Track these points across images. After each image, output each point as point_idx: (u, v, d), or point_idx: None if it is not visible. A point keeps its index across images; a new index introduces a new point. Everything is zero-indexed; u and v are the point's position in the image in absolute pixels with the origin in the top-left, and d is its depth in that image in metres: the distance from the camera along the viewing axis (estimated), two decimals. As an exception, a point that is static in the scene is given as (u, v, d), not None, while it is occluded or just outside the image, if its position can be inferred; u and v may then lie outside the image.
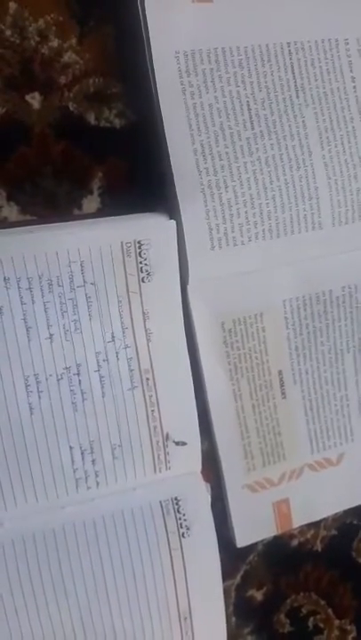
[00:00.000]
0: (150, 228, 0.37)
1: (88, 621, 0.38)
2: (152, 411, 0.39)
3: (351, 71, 0.41)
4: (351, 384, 0.44)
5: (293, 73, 0.39)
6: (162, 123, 0.37)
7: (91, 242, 0.36)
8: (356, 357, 0.44)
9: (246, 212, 0.39)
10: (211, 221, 0.38)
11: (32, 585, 0.37)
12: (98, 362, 0.37)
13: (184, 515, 0.40)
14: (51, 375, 0.36)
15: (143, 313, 0.38)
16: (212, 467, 0.41)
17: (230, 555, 0.43)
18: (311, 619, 0.47)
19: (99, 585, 0.39)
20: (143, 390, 0.38)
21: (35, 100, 0.36)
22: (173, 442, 0.39)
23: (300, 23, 0.39)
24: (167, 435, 0.39)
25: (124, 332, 0.38)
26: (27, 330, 0.36)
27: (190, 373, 0.39)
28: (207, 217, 0.38)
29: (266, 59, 0.39)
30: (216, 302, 0.40)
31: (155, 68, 0.37)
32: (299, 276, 0.41)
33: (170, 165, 0.37)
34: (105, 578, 0.39)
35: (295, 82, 0.40)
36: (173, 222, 0.38)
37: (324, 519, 0.45)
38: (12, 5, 0.35)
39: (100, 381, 0.37)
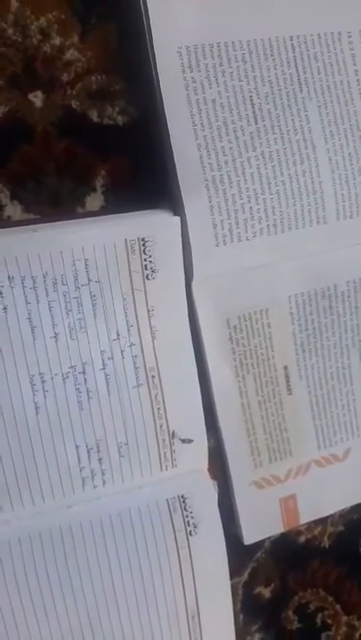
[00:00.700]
0: (154, 224, 0.37)
1: (95, 620, 0.39)
2: (158, 408, 0.39)
3: (355, 64, 0.40)
4: (357, 379, 0.44)
5: (297, 67, 0.39)
6: (165, 119, 0.37)
7: (95, 240, 0.36)
8: (362, 353, 0.44)
9: (251, 208, 0.39)
10: (215, 217, 0.38)
11: (39, 584, 0.37)
12: (103, 360, 0.37)
13: (191, 512, 0.40)
14: (56, 374, 0.36)
15: (148, 310, 0.38)
16: (218, 464, 0.41)
17: (238, 552, 0.43)
18: (319, 615, 0.47)
19: (106, 584, 0.39)
20: (149, 388, 0.38)
21: (37, 98, 0.36)
22: (180, 439, 0.39)
23: (302, 17, 0.39)
24: (173, 432, 0.39)
25: (129, 330, 0.37)
26: (32, 329, 0.36)
27: (196, 370, 0.39)
28: (211, 213, 0.38)
29: (269, 53, 0.38)
30: (221, 299, 0.40)
31: (157, 63, 0.36)
32: (304, 272, 0.41)
33: (173, 161, 0.37)
34: (112, 577, 0.39)
35: (298, 76, 0.39)
36: (177, 219, 0.37)
37: (331, 515, 0.45)
38: (14, 4, 0.35)
39: (106, 380, 0.37)
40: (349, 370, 0.43)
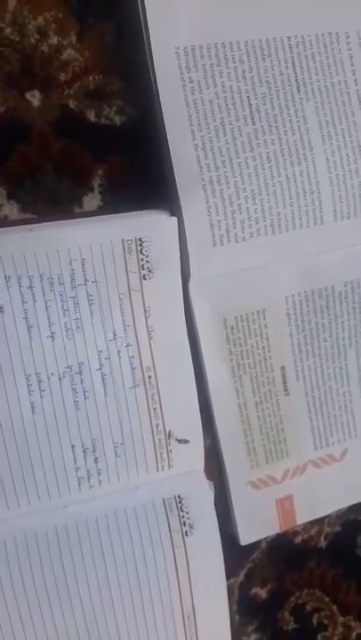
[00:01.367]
0: (151, 225, 0.37)
1: (91, 619, 0.39)
2: (154, 409, 0.39)
3: (352, 65, 0.40)
4: (354, 380, 0.44)
5: (294, 67, 0.39)
6: (162, 119, 0.37)
7: (92, 240, 0.36)
8: (359, 353, 0.44)
9: (248, 208, 0.39)
10: (212, 218, 0.38)
11: (34, 584, 0.37)
12: (100, 360, 0.37)
13: (187, 513, 0.40)
14: (52, 374, 0.36)
15: (145, 310, 0.38)
16: (214, 464, 0.41)
17: (234, 552, 0.43)
18: (315, 616, 0.47)
19: (102, 583, 0.39)
20: (145, 388, 0.38)
21: (34, 97, 0.36)
22: (176, 440, 0.39)
23: (300, 17, 0.39)
24: (169, 432, 0.39)
25: (125, 330, 0.37)
26: (28, 329, 0.36)
27: (192, 371, 0.39)
28: (208, 213, 0.38)
29: (266, 53, 0.38)
30: (218, 299, 0.40)
31: (155, 64, 0.36)
32: (301, 272, 0.41)
33: (171, 162, 0.37)
34: (108, 577, 0.39)
35: (296, 76, 0.39)
36: (175, 219, 0.37)
37: (328, 516, 0.45)
38: (12, 3, 0.35)
39: (102, 380, 0.37)
40: (346, 370, 0.43)
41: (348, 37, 0.40)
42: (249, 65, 0.38)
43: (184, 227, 0.38)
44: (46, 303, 0.36)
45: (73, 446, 0.37)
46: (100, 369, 0.37)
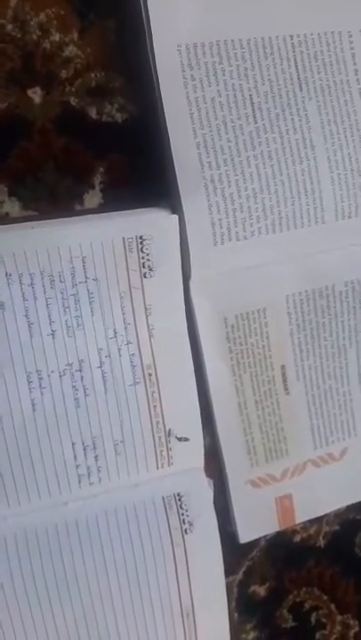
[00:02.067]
0: (152, 223, 0.37)
1: (90, 616, 0.39)
2: (154, 406, 0.39)
3: (354, 64, 0.40)
4: (354, 379, 0.44)
5: (296, 66, 0.39)
6: (164, 117, 0.37)
7: (92, 237, 0.36)
8: (359, 352, 0.44)
9: (249, 207, 0.39)
10: (213, 216, 0.38)
11: (34, 581, 0.37)
12: (100, 358, 0.37)
13: (187, 511, 0.40)
14: (53, 371, 0.36)
15: (145, 308, 0.38)
16: (214, 462, 0.41)
17: (233, 550, 0.43)
18: (314, 614, 0.47)
19: (101, 581, 0.39)
20: (145, 386, 0.38)
21: (36, 94, 0.36)
22: (176, 437, 0.39)
23: (302, 16, 0.39)
24: (169, 430, 0.39)
25: (126, 328, 0.37)
26: (29, 326, 0.36)
27: (193, 369, 0.39)
28: (210, 212, 0.38)
29: (268, 52, 0.38)
30: (219, 298, 0.40)
31: (156, 61, 0.36)
32: (302, 271, 0.41)
33: (172, 160, 0.37)
34: (107, 574, 0.39)
35: (298, 75, 0.39)
36: (176, 217, 0.37)
37: (327, 515, 0.45)
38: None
39: (103, 377, 0.37)
40: (346, 370, 0.43)
41: (350, 36, 0.40)
42: (251, 63, 0.38)
43: (185, 225, 0.38)
44: (47, 301, 0.36)
45: (73, 443, 0.37)
46: (101, 366, 0.37)
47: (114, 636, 0.39)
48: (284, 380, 0.42)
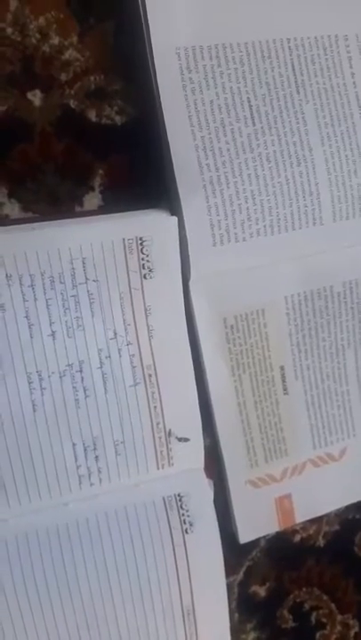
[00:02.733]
0: (152, 224, 0.37)
1: (92, 616, 0.39)
2: (154, 407, 0.39)
3: (351, 67, 0.41)
4: (353, 379, 0.44)
5: (294, 69, 0.39)
6: (163, 119, 0.37)
7: (92, 239, 0.36)
8: (358, 352, 0.44)
9: (248, 209, 0.39)
10: (212, 217, 0.38)
11: (36, 581, 0.37)
12: (100, 359, 0.37)
13: (187, 511, 0.40)
14: (53, 372, 0.37)
15: (145, 309, 0.38)
16: (214, 463, 0.41)
17: (233, 551, 0.43)
18: (314, 614, 0.47)
19: (102, 581, 0.39)
20: (145, 387, 0.38)
21: (36, 97, 0.36)
22: (176, 438, 0.39)
23: (300, 19, 0.39)
24: (170, 431, 0.39)
25: (126, 329, 0.38)
26: (29, 327, 0.36)
27: (192, 370, 0.39)
28: (209, 213, 0.38)
29: (266, 55, 0.39)
30: (218, 298, 0.40)
31: (155, 64, 0.37)
32: (300, 272, 0.41)
33: (171, 162, 0.37)
34: (108, 574, 0.39)
35: (296, 78, 0.40)
36: (175, 219, 0.38)
37: (327, 514, 0.46)
38: (13, 3, 0.35)
39: (103, 378, 0.37)
40: (345, 370, 0.44)
41: (347, 40, 0.41)
42: (249, 66, 0.38)
43: (184, 226, 0.38)
44: (47, 302, 0.36)
45: (74, 444, 0.37)
46: (101, 367, 0.37)
47: (115, 636, 0.39)
48: (284, 381, 0.42)
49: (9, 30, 0.35)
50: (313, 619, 0.47)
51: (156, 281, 0.38)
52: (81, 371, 0.37)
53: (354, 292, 0.43)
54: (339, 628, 0.48)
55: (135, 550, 0.39)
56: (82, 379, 0.37)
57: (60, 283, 0.36)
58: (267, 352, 0.42)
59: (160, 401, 0.39)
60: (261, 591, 0.45)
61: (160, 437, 0.39)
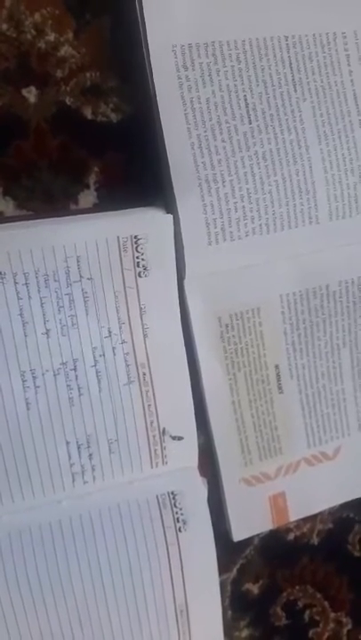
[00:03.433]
0: (147, 222, 0.37)
1: (84, 614, 0.39)
2: (148, 405, 0.39)
3: (349, 65, 0.41)
4: (347, 378, 0.44)
5: (291, 67, 0.39)
6: (159, 117, 0.37)
7: (87, 237, 0.36)
8: (353, 352, 0.44)
9: (243, 207, 0.39)
10: (208, 216, 0.38)
11: (28, 579, 0.38)
12: (94, 357, 0.37)
13: (181, 509, 0.40)
14: (47, 370, 0.37)
15: (140, 308, 0.38)
16: (208, 461, 0.41)
17: (227, 548, 0.43)
18: (307, 612, 0.47)
19: (95, 579, 0.39)
20: (140, 385, 0.38)
21: (31, 94, 0.36)
22: (170, 436, 0.39)
23: (297, 17, 0.39)
24: (164, 429, 0.39)
25: (120, 328, 0.38)
26: (23, 325, 0.36)
27: (187, 368, 0.39)
28: (204, 211, 0.38)
29: (263, 53, 0.39)
30: (213, 297, 0.40)
31: (152, 61, 0.36)
32: (296, 271, 0.41)
33: (167, 160, 0.37)
34: (101, 572, 0.39)
35: (293, 76, 0.39)
36: (170, 217, 0.37)
37: (321, 513, 0.46)
38: (8, -2, 0.35)
39: (97, 376, 0.37)
40: (340, 369, 0.44)
41: (345, 38, 0.40)
42: (246, 64, 0.38)
43: (180, 225, 0.38)
44: (41, 300, 0.36)
45: (67, 442, 0.37)
46: (95, 365, 0.37)
47: (108, 634, 0.39)
48: (278, 380, 0.42)
49: (4, 26, 0.35)
50: (306, 616, 0.47)
51: (150, 279, 0.37)
52: (75, 369, 0.37)
53: (350, 291, 0.43)
54: (332, 625, 0.48)
55: (128, 548, 0.39)
56: (76, 377, 0.37)
57: (55, 281, 0.36)
58: (262, 351, 0.42)
59: (154, 399, 0.39)
60: (255, 589, 0.45)
61: (154, 436, 0.39)
